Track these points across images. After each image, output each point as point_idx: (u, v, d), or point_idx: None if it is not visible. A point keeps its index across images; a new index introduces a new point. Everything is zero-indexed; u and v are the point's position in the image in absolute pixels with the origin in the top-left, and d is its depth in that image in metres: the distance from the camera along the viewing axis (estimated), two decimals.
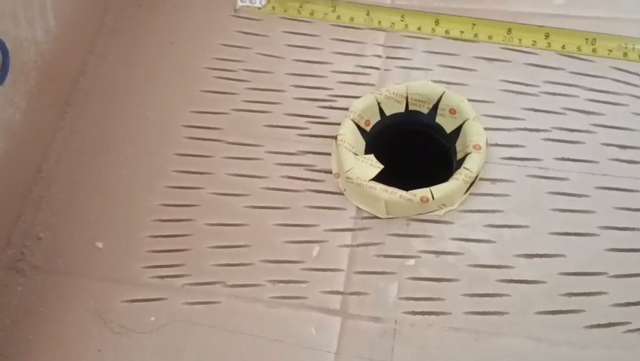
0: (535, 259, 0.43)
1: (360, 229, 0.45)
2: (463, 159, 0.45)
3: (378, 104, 0.48)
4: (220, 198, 0.46)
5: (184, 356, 0.41)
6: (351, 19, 0.42)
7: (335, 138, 0.47)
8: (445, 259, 0.43)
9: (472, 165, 0.44)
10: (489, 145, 0.46)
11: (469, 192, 0.45)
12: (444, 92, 0.47)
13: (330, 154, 0.48)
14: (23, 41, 0.45)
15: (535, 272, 0.42)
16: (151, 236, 0.45)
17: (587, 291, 0.41)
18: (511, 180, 0.45)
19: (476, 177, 0.45)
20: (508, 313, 0.41)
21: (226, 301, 0.43)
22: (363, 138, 0.47)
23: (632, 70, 0.49)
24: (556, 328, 0.40)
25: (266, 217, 0.45)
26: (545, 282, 0.42)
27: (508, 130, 0.48)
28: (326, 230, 0.45)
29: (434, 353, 0.40)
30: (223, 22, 0.54)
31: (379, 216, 0.45)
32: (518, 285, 0.42)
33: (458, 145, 0.47)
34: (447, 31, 0.48)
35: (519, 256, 0.43)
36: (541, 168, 0.46)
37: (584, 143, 0.47)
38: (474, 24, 0.51)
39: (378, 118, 0.49)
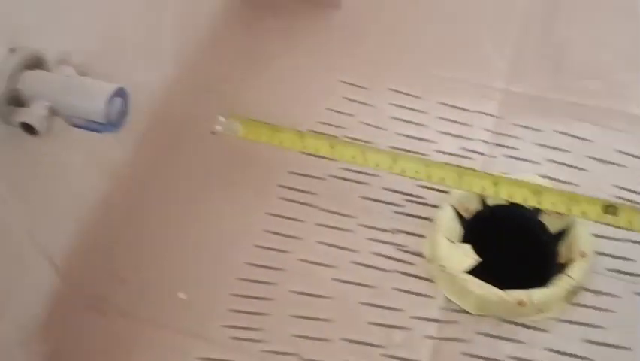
0: None
1: (447, 322, 0.42)
2: (564, 265, 0.43)
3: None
4: (307, 266, 0.45)
5: None
6: (317, 150, 0.44)
7: (432, 220, 0.45)
8: None
9: (575, 274, 0.42)
10: (595, 253, 0.44)
11: (569, 301, 0.42)
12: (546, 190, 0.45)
13: (424, 236, 0.46)
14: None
15: None
16: (234, 295, 0.44)
17: None
18: (616, 295, 0.43)
19: (579, 286, 0.42)
20: None
21: None
22: (462, 225, 0.45)
23: None
24: None
25: (351, 293, 0.44)
26: None
27: (618, 240, 0.45)
28: (411, 317, 0.43)
29: None
30: (330, 88, 0.54)
31: (469, 311, 0.42)
32: None
33: (561, 248, 0.44)
34: None
35: None
36: None
37: None
38: None
39: (478, 206, 0.47)
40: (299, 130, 0.46)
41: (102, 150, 0.44)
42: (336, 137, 0.46)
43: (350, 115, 0.53)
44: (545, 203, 0.42)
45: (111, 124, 0.34)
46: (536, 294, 0.41)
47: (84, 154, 0.42)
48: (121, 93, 0.35)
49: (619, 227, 0.40)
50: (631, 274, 0.43)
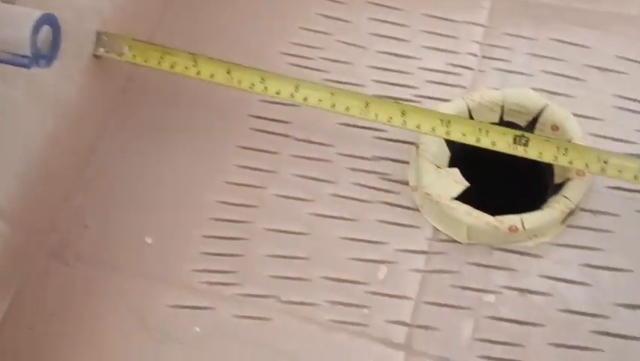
0: (638, 311, 0.36)
1: (436, 253, 0.39)
2: (561, 185, 0.39)
3: (469, 110, 0.42)
4: (282, 201, 0.42)
5: None
6: (212, 75, 0.40)
7: (416, 145, 0.42)
8: (531, 299, 0.37)
9: (572, 194, 0.38)
10: None
11: (565, 223, 0.39)
12: (547, 105, 0.41)
13: (408, 163, 0.42)
14: (84, 13, 0.41)
15: (636, 327, 0.36)
16: (205, 236, 0.41)
17: None
18: (616, 214, 0.39)
19: (576, 207, 0.38)
20: None
21: (278, 318, 0.38)
22: (449, 148, 0.42)
23: None
24: None
25: (330, 228, 0.41)
26: None
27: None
28: (397, 250, 0.40)
29: None
30: (303, 4, 0.49)
31: (459, 240, 0.39)
32: (615, 340, 0.36)
33: (557, 168, 0.41)
34: None
35: (619, 305, 0.37)
36: None
37: None
38: None
39: None
40: (192, 53, 0.41)
41: (49, 85, 0.40)
42: (234, 63, 0.41)
43: (326, 34, 0.48)
44: (454, 133, 0.38)
45: (39, 57, 0.30)
46: (529, 218, 0.38)
47: (26, 89, 0.38)
48: (49, 20, 0.30)
49: (529, 158, 0.37)
50: (632, 191, 0.40)
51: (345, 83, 0.46)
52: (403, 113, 0.40)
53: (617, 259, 0.38)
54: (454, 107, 0.42)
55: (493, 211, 0.39)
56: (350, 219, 0.41)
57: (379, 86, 0.45)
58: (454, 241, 0.39)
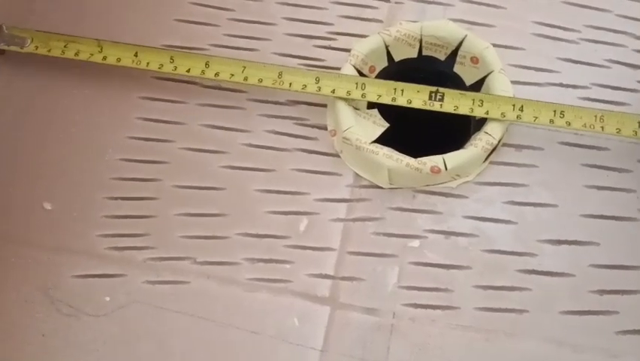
0: (562, 246, 0.36)
1: (358, 200, 0.38)
2: (484, 121, 0.38)
3: (386, 47, 0.40)
4: (192, 155, 0.39)
5: (142, 345, 0.35)
6: (118, 60, 0.38)
7: (332, 90, 0.39)
8: (456, 241, 0.36)
9: (494, 130, 0.37)
10: None
11: (488, 161, 0.38)
12: (465, 36, 0.39)
13: (325, 106, 0.40)
14: None
15: (562, 263, 0.35)
16: (109, 198, 0.38)
17: (622, 288, 0.35)
18: (539, 147, 0.38)
19: (498, 143, 0.37)
20: (527, 311, 0.35)
21: (195, 281, 0.36)
22: None
23: None
24: (584, 331, 0.34)
25: (246, 181, 0.38)
26: (574, 275, 0.35)
27: (540, 85, 0.40)
28: (317, 200, 0.38)
29: (436, 354, 0.34)
30: None
31: (381, 185, 0.37)
32: (541, 277, 0.35)
33: None
34: None
35: (544, 241, 0.36)
36: (576, 133, 0.38)
37: (629, 105, 0.39)
38: None
39: (385, 64, 0.40)
40: (97, 39, 0.39)
41: None
42: (141, 45, 0.39)
43: None
44: (370, 95, 0.37)
45: None
46: (451, 158, 0.36)
47: None
48: None
49: (446, 113, 0.37)
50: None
51: (255, 22, 0.42)
52: (317, 80, 0.38)
53: (540, 194, 0.37)
54: (371, 43, 0.40)
55: (416, 153, 0.37)
56: (266, 170, 0.38)
57: (291, 24, 0.42)
58: (376, 187, 0.38)
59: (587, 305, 0.35)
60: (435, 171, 0.36)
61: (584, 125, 0.35)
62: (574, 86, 0.39)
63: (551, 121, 0.35)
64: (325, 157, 0.39)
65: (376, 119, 0.38)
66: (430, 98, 0.37)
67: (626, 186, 0.37)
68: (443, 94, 0.37)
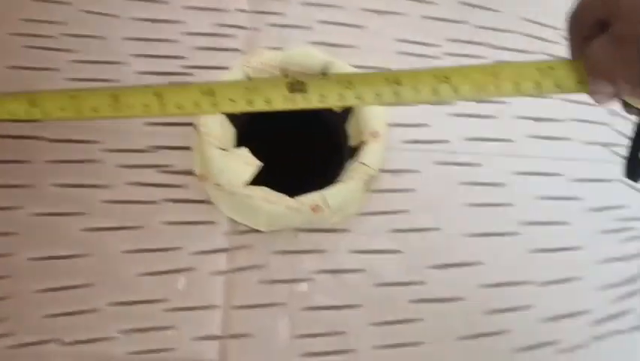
0: (449, 269, 0.35)
1: (237, 248, 0.35)
2: (357, 149, 0.37)
3: (249, 80, 0.37)
4: (46, 221, 0.35)
5: None
6: None
7: (194, 126, 0.36)
8: (344, 279, 0.35)
9: (371, 159, 0.36)
10: (387, 127, 0.38)
11: (368, 190, 0.36)
12: (330, 63, 0.38)
13: (190, 149, 0.37)
14: None
15: (450, 287, 0.35)
16: None
17: (511, 306, 0.35)
18: (416, 170, 0.37)
19: (375, 172, 0.36)
20: (423, 342, 0.34)
21: None
22: (232, 124, 0.37)
23: (541, 21, 0.42)
24: (482, 355, 0.34)
25: (111, 242, 0.35)
26: (463, 298, 0.35)
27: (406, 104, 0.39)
28: (193, 253, 0.35)
29: None
30: None
31: (260, 229, 0.35)
32: (433, 305, 0.35)
33: (351, 128, 0.38)
34: None
35: (431, 267, 0.35)
36: (450, 152, 0.38)
37: (495, 117, 0.39)
38: None
39: None
40: None
41: None
42: None
43: (66, 3, 0.40)
44: (223, 103, 0.31)
45: None
46: (331, 194, 0.35)
47: None
48: None
49: (312, 108, 0.30)
50: (428, 142, 0.38)
51: (101, 62, 0.38)
52: (159, 96, 0.32)
53: (422, 218, 0.36)
54: (232, 78, 0.37)
55: (292, 187, 0.35)
56: (133, 228, 0.35)
57: (142, 60, 0.39)
58: (256, 231, 0.35)
59: (480, 328, 0.34)
60: (316, 209, 0.34)
61: (475, 87, 0.29)
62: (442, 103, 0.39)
63: (435, 91, 0.29)
64: (196, 205, 0.36)
65: (247, 159, 0.36)
66: (291, 90, 0.31)
67: (503, 200, 0.37)
68: (303, 83, 0.31)
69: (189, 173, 0.36)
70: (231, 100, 0.31)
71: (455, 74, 0.30)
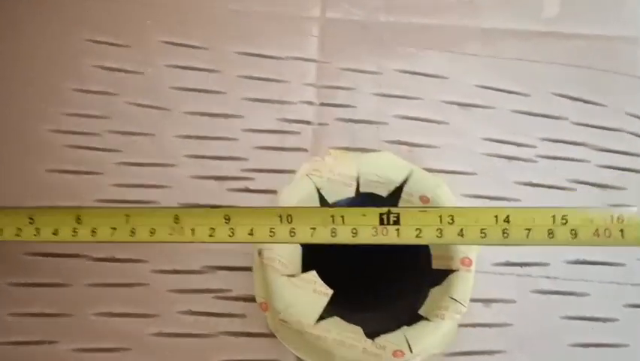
0: None
1: None
2: (442, 274, 0.31)
3: (318, 190, 0.33)
4: (84, 358, 0.30)
5: None
6: None
7: (258, 250, 0.31)
8: None
9: (462, 294, 0.30)
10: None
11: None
12: (412, 172, 0.33)
13: (250, 269, 0.32)
14: None
15: None
16: None
17: None
18: (510, 299, 0.32)
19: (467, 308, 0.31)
20: None
21: None
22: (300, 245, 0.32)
23: None
24: None
25: None
26: None
27: None
28: None
29: None
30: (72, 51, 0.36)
31: None
32: None
33: (434, 250, 0.33)
34: None
35: None
36: (549, 277, 0.33)
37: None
38: None
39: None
40: None
41: None
42: None
43: (109, 94, 0.35)
44: (301, 232, 0.28)
45: None
46: (415, 337, 0.30)
47: None
48: None
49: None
50: (522, 265, 0.33)
51: (149, 164, 0.34)
52: (228, 220, 0.28)
53: (521, 359, 0.31)
54: (299, 191, 0.32)
55: (362, 307, 0.31)
56: None
57: (195, 162, 0.34)
58: None
59: None
60: (398, 355, 0.29)
61: (597, 233, 0.26)
62: None
63: (550, 233, 0.26)
64: (258, 339, 0.31)
65: (317, 286, 0.31)
66: (382, 222, 0.28)
67: (617, 340, 0.31)
68: (398, 214, 0.28)
69: (249, 299, 0.32)
70: (312, 228, 0.27)
71: (575, 216, 0.26)
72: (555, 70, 0.37)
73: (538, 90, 0.36)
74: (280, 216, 0.28)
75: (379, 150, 0.34)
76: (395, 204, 0.33)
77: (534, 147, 0.35)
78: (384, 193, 0.33)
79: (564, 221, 0.26)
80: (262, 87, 0.36)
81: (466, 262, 0.31)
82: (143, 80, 0.36)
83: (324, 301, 0.31)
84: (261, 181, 0.34)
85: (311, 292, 0.31)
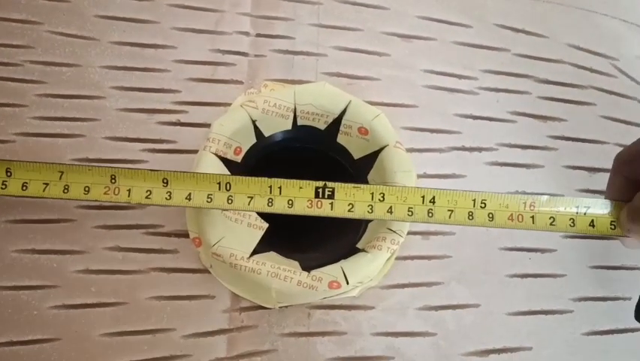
0: (491, 356, 0.30)
1: (239, 329, 0.29)
2: None
3: (253, 122, 0.31)
4: (7, 296, 0.29)
5: None
6: None
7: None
8: None
9: (399, 224, 0.30)
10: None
11: (393, 256, 0.31)
12: (349, 103, 0.32)
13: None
14: None
15: None
16: None
17: None
18: (450, 231, 0.32)
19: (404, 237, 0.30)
20: None
21: None
22: (232, 173, 0.31)
23: (591, 48, 0.36)
24: None
25: (87, 323, 0.29)
26: None
27: (440, 151, 0.33)
28: (186, 336, 0.29)
29: None
30: None
31: (267, 306, 0.29)
32: None
33: (373, 180, 0.32)
34: None
35: (470, 354, 0.30)
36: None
37: (542, 166, 0.33)
38: None
39: (253, 141, 0.32)
40: None
41: None
42: None
43: (35, 23, 0.33)
44: (239, 199, 0.28)
45: None
46: (352, 269, 0.29)
47: None
48: None
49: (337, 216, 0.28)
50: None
51: (75, 96, 0.32)
52: (166, 183, 0.28)
53: (459, 291, 0.31)
54: (234, 121, 0.31)
55: (302, 245, 0.30)
56: (114, 304, 0.29)
57: (124, 94, 0.33)
58: (261, 308, 0.30)
59: None
60: (334, 287, 0.28)
61: (511, 218, 0.28)
62: (479, 149, 0.33)
63: (470, 215, 0.28)
64: (191, 275, 0.30)
65: (251, 220, 0.30)
66: (317, 195, 0.28)
67: (554, 270, 0.31)
68: (333, 189, 0.28)
69: (182, 235, 0.30)
70: (249, 196, 0.28)
71: (493, 201, 0.28)
72: (498, 1, 0.36)
73: (480, 22, 0.36)
74: (219, 183, 0.28)
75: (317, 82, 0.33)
76: (334, 138, 0.32)
77: (475, 79, 0.35)
78: (322, 126, 0.32)
79: (483, 205, 0.28)
80: (195, 16, 0.34)
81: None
82: (69, 7, 0.34)
83: (258, 234, 0.30)
84: (194, 114, 0.32)
85: (245, 226, 0.30)
